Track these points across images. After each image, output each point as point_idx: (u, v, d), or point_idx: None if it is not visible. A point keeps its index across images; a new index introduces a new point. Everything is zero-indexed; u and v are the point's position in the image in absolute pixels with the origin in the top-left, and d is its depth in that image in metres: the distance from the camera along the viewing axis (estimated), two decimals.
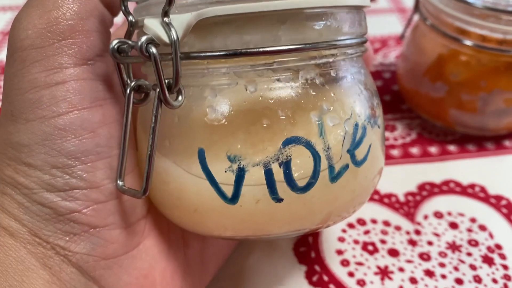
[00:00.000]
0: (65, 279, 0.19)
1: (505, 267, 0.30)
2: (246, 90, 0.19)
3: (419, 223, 0.33)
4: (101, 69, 0.20)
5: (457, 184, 0.36)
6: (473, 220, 0.33)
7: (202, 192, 0.20)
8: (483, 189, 0.36)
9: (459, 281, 0.29)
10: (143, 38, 0.17)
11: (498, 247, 0.31)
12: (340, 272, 0.29)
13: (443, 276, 0.29)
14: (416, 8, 0.40)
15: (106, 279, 0.20)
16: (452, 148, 0.40)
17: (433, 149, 0.40)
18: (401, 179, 0.37)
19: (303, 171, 0.19)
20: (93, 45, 0.20)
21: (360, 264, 0.30)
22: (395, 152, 0.39)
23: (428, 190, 0.36)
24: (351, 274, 0.29)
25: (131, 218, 0.21)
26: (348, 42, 0.21)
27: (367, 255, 0.31)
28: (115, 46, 0.18)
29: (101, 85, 0.20)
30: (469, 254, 0.31)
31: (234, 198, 0.20)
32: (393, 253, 0.31)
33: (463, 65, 0.37)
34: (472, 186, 0.36)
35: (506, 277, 0.30)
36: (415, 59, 0.40)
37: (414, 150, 0.39)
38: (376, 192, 0.35)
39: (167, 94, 0.18)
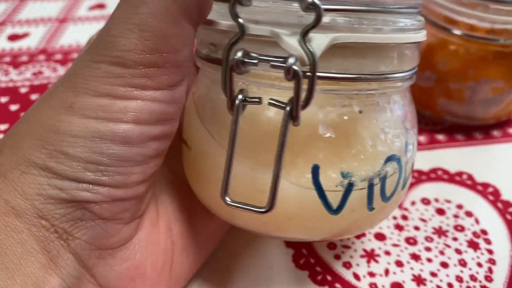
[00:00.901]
0: (61, 265, 0.19)
1: (490, 251, 0.31)
2: (355, 111, 0.21)
3: (406, 209, 0.33)
4: (178, 94, 0.21)
5: (445, 171, 0.37)
6: (459, 207, 0.34)
7: (306, 203, 0.21)
8: (470, 177, 0.36)
9: (444, 264, 0.29)
10: (292, 60, 0.17)
11: (484, 232, 0.32)
12: (327, 255, 0.30)
13: (429, 260, 0.30)
14: None
15: (99, 268, 0.21)
16: (440, 137, 0.40)
17: (422, 138, 0.40)
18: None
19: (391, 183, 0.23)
20: (180, 74, 0.20)
21: (346, 247, 0.30)
22: None
23: (416, 177, 0.36)
24: (337, 257, 0.30)
25: (135, 214, 0.22)
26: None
27: (354, 239, 0.31)
28: (240, 58, 0.18)
29: (173, 107, 0.21)
30: (455, 239, 0.31)
31: (338, 209, 0.21)
32: (380, 237, 0.31)
33: (451, 54, 0.37)
34: (460, 174, 0.36)
35: (491, 261, 0.30)
36: None
37: None
38: None
39: (300, 112, 0.18)
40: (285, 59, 0.17)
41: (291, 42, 0.18)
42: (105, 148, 0.19)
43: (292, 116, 0.18)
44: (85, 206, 0.19)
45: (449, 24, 0.36)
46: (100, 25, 0.55)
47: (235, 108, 0.19)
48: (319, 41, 0.18)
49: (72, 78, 0.20)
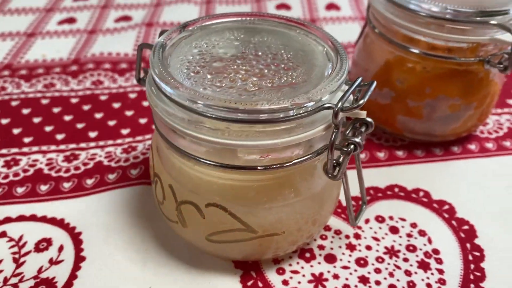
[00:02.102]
0: None
1: (440, 271, 0.30)
2: None
3: (360, 227, 0.33)
4: None
5: (402, 188, 0.37)
6: (413, 225, 0.34)
7: None
8: (427, 194, 0.36)
9: (392, 287, 0.29)
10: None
11: (436, 251, 0.32)
12: (275, 280, 0.30)
13: (377, 283, 0.30)
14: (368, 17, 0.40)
15: None
16: (400, 153, 0.40)
17: (381, 155, 0.40)
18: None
19: None
20: None
21: (295, 272, 0.30)
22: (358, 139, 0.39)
23: (372, 194, 0.36)
24: (285, 283, 0.29)
25: None
26: None
27: (303, 262, 0.31)
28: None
29: None
30: (405, 260, 0.31)
31: None
32: (330, 259, 0.31)
33: (408, 72, 0.37)
34: (416, 191, 0.36)
35: (441, 281, 0.30)
36: (364, 65, 0.41)
37: (362, 156, 0.40)
38: None
39: None
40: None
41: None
42: None
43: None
44: None
45: (406, 42, 0.36)
46: (69, 40, 0.55)
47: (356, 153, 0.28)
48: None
49: None
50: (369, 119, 0.25)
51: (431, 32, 0.35)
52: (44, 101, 0.45)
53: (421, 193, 0.36)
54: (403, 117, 0.39)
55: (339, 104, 0.23)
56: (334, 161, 0.25)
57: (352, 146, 0.25)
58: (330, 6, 0.64)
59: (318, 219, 0.29)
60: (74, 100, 0.45)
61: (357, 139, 0.25)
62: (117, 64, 0.50)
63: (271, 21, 0.30)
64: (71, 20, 0.59)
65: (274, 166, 0.24)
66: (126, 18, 0.60)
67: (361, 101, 0.24)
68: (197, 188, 0.26)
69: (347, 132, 0.25)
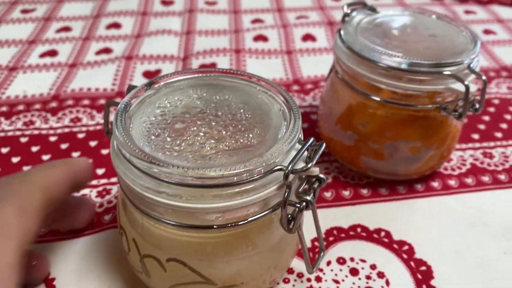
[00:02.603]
0: None
1: None
2: None
3: (321, 270, 0.35)
4: None
5: (364, 229, 0.38)
6: (373, 267, 0.35)
7: None
8: (388, 234, 0.38)
9: None
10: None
11: None
12: None
13: None
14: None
15: None
16: (365, 192, 0.42)
17: (346, 193, 0.41)
18: (311, 223, 0.38)
19: None
20: None
21: None
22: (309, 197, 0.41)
23: (335, 235, 0.38)
24: None
25: None
26: None
27: None
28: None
29: None
30: None
31: None
32: None
33: (369, 117, 0.39)
34: (378, 231, 0.38)
35: None
36: (330, 105, 0.42)
37: (328, 194, 0.41)
38: None
39: None
40: None
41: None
42: None
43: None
44: None
45: (367, 90, 0.38)
46: (50, 74, 0.56)
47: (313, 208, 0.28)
48: None
49: None
50: (321, 176, 0.27)
51: (391, 82, 0.36)
52: (23, 139, 0.46)
53: (383, 233, 0.38)
54: (366, 158, 0.41)
55: (289, 167, 0.25)
56: (289, 216, 0.27)
57: (304, 203, 0.26)
58: (306, 37, 0.66)
59: (280, 265, 0.31)
60: (52, 139, 0.46)
61: (308, 197, 0.26)
62: (96, 100, 0.52)
63: (233, 77, 0.32)
64: (53, 53, 0.61)
65: (230, 225, 0.26)
66: (107, 51, 0.62)
67: (310, 164, 0.25)
68: (158, 243, 0.28)
69: (300, 189, 0.27)
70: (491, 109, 0.53)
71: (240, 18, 0.71)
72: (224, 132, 0.28)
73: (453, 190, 0.42)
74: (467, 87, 0.35)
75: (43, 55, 0.60)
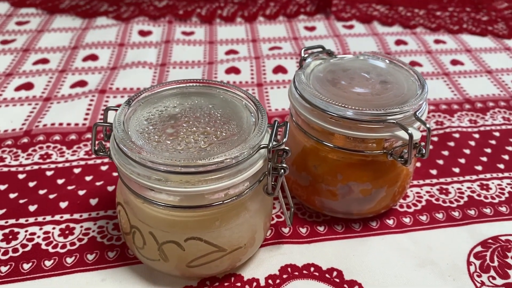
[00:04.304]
0: None
1: None
2: None
3: None
4: None
5: (317, 268, 0.40)
6: None
7: None
8: (339, 274, 0.39)
9: None
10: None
11: None
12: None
13: None
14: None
15: None
16: (321, 229, 0.43)
17: (303, 230, 0.43)
18: (267, 260, 0.40)
19: None
20: None
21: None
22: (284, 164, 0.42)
23: (289, 273, 0.39)
24: None
25: None
26: None
27: None
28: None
29: None
30: None
31: None
32: None
33: (322, 160, 0.40)
34: (330, 270, 0.39)
35: None
36: (290, 143, 0.44)
37: (286, 230, 0.43)
38: (240, 278, 0.38)
39: None
40: None
41: None
42: None
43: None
44: None
45: (318, 136, 0.39)
46: (24, 108, 0.58)
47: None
48: None
49: None
50: (287, 148, 0.33)
51: (340, 130, 0.38)
52: None
53: (335, 273, 0.39)
54: (320, 198, 0.42)
55: (270, 144, 0.32)
56: (272, 183, 0.34)
57: (282, 170, 0.33)
58: (278, 69, 0.68)
59: (265, 225, 0.39)
60: (21, 176, 0.48)
61: (284, 165, 0.33)
62: (66, 135, 0.53)
63: (197, 85, 0.39)
64: (28, 86, 0.62)
65: (235, 198, 0.33)
66: (82, 83, 0.63)
67: (284, 139, 0.33)
68: (174, 228, 0.34)
69: (275, 161, 0.34)
70: (451, 144, 0.55)
71: (215, 49, 0.73)
72: (208, 128, 0.35)
73: (407, 228, 0.44)
74: (410, 135, 0.36)
75: (18, 88, 0.62)
